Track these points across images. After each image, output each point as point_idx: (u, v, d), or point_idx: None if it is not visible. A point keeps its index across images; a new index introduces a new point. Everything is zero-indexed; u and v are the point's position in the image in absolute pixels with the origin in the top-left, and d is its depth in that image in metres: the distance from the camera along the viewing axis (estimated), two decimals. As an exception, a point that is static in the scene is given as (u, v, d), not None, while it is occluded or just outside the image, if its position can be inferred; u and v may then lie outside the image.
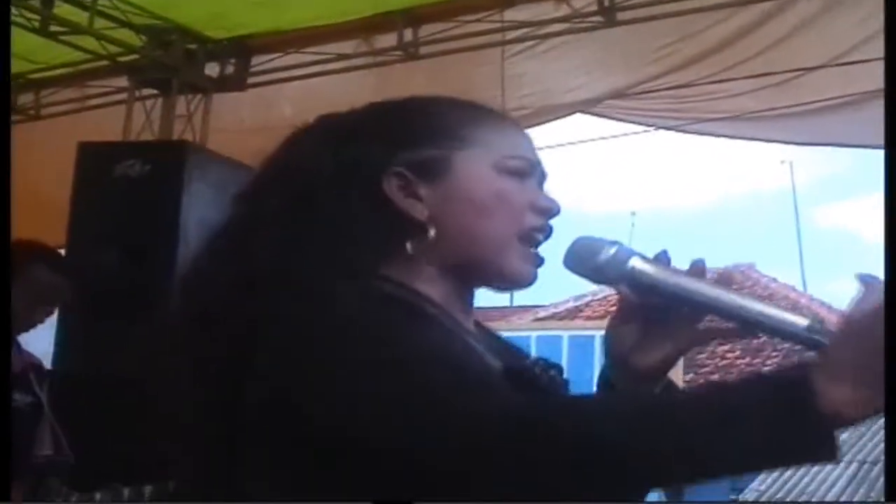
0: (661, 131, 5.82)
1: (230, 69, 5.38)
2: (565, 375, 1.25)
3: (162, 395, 1.16)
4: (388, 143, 1.22)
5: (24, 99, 5.66)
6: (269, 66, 5.29)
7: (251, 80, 5.36)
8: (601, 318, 16.04)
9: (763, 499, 10.88)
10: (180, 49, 5.19)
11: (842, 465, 11.28)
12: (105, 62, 5.30)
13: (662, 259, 1.20)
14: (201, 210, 4.70)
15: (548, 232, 1.25)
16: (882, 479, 10.37)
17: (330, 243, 1.17)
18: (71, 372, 4.14)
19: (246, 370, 1.08)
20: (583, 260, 1.21)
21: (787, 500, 10.84)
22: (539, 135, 5.66)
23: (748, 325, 1.17)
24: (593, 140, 6.45)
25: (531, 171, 1.25)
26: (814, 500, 10.75)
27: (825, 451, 1.00)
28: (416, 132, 1.23)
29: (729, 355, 14.94)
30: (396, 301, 1.16)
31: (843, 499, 10.74)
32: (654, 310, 1.21)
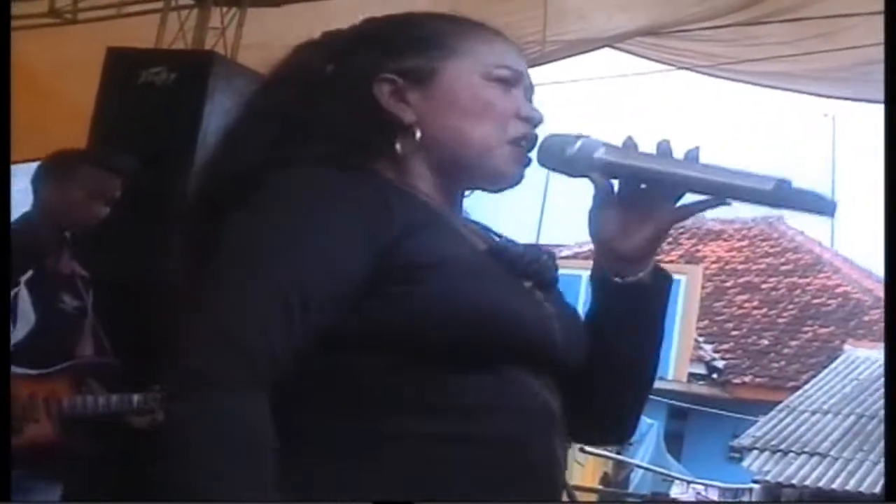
0: (699, 74, 5.75)
1: (267, -16, 5.33)
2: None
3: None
4: (380, 51, 1.31)
5: (62, 2, 5.63)
6: (306, -16, 5.23)
7: (288, -5, 5.32)
8: (622, 259, 16.01)
9: (758, 444, 10.96)
10: (218, -40, 5.15)
11: (840, 416, 11.35)
12: (143, -31, 5.26)
13: (629, 145, 1.27)
14: (223, 121, 4.66)
15: (532, 140, 1.32)
16: (877, 434, 10.50)
17: (322, 139, 1.27)
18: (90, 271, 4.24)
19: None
20: (553, 155, 1.29)
21: (781, 447, 10.91)
22: (572, 68, 5.60)
23: (720, 195, 1.23)
24: (624, 76, 6.39)
25: (517, 81, 1.33)
26: (806, 448, 10.85)
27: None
28: (407, 41, 1.32)
29: (746, 305, 14.95)
30: (386, 185, 1.26)
31: (834, 449, 10.81)
32: (629, 195, 1.28)
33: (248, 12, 5.31)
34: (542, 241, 15.13)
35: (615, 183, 1.28)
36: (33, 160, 3.49)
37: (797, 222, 15.75)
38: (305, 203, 1.19)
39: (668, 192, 1.26)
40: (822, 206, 1.19)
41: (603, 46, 5.42)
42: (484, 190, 1.35)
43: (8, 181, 2.22)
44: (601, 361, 1.32)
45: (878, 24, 4.64)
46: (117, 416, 3.06)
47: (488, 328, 1.19)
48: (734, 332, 14.46)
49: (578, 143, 1.26)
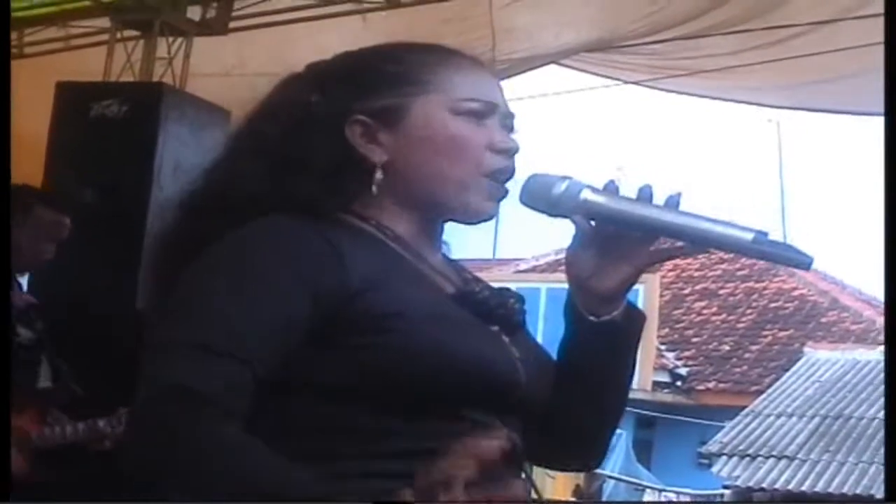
0: (645, 88, 5.81)
1: (212, 13, 5.33)
2: (533, 318, 1.38)
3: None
4: (353, 90, 1.31)
5: (5, 37, 5.59)
6: (252, 11, 5.24)
7: (233, 24, 5.31)
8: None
9: (726, 450, 11.05)
10: (164, -10, 5.14)
11: (804, 419, 11.47)
12: (88, 1, 5.23)
13: (611, 189, 1.28)
14: (177, 151, 4.71)
15: (510, 172, 1.33)
16: (842, 434, 10.61)
17: (305, 177, 1.27)
18: (47, 301, 4.25)
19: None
20: (538, 196, 1.29)
21: (749, 452, 11.00)
22: (517, 85, 5.64)
23: (697, 243, 1.26)
24: (571, 92, 6.46)
25: (490, 113, 1.32)
26: (774, 452, 10.94)
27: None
28: (378, 79, 1.32)
29: (705, 311, 15.06)
30: (348, 237, 1.26)
31: (802, 451, 10.91)
32: (608, 236, 1.29)
33: (203, 42, 5.30)
34: (498, 256, 15.16)
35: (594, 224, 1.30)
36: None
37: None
38: (250, 262, 1.21)
39: (646, 236, 1.28)
40: (798, 259, 1.21)
41: (551, 62, 5.47)
42: (458, 222, 1.35)
43: (8, 183, 2.23)
44: (572, 393, 1.33)
45: (821, 34, 4.73)
46: (86, 443, 3.07)
47: (453, 374, 1.20)
48: (695, 339, 14.56)
49: (564, 185, 1.27)
